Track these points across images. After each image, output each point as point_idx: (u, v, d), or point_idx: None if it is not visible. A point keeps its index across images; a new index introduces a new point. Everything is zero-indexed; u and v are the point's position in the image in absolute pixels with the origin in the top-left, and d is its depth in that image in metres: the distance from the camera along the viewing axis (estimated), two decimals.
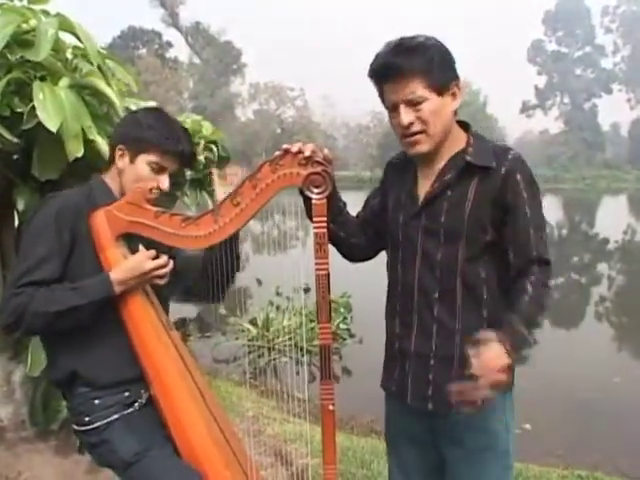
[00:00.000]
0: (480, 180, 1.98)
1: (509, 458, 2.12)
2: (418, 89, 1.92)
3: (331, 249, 2.00)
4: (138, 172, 2.15)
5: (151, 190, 2.13)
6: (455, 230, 1.98)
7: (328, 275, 1.89)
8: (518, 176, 1.96)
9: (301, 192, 1.98)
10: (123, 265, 2.06)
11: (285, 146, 1.93)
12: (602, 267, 18.54)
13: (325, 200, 1.90)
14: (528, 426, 5.65)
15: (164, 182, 2.18)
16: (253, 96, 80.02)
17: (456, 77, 2.01)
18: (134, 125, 2.20)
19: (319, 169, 1.89)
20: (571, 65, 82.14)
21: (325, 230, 1.89)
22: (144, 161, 2.15)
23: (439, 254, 2.01)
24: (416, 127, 1.96)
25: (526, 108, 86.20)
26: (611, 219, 30.50)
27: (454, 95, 2.00)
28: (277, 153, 1.93)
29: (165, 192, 2.21)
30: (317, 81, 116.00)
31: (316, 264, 1.90)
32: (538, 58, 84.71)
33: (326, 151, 1.95)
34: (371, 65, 2.00)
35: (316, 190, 1.89)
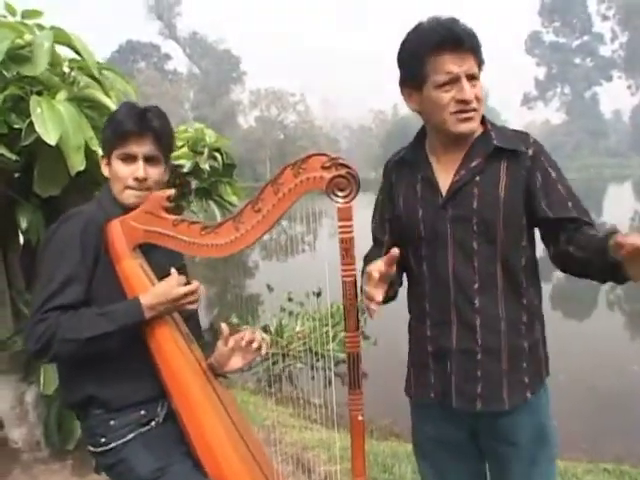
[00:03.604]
0: (509, 163, 1.94)
1: (554, 449, 2.08)
2: (475, 66, 1.89)
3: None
4: (115, 171, 2.06)
5: (169, 198, 2.03)
6: (491, 215, 1.91)
7: (355, 282, 1.80)
8: (542, 157, 1.96)
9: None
10: (153, 290, 1.98)
11: None
12: None
13: (351, 204, 1.79)
14: None
15: (138, 170, 2.05)
16: (254, 103, 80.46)
17: None
18: (103, 131, 2.14)
19: (343, 172, 1.79)
20: (570, 55, 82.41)
21: (352, 235, 1.78)
22: (115, 158, 2.06)
23: (474, 242, 1.93)
24: (474, 104, 1.90)
25: (527, 100, 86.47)
26: (618, 206, 30.39)
27: None
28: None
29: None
30: (317, 84, 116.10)
31: (342, 270, 1.80)
32: (536, 50, 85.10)
33: None
34: (432, 35, 1.89)
35: (341, 194, 1.78)
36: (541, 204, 1.92)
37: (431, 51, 1.88)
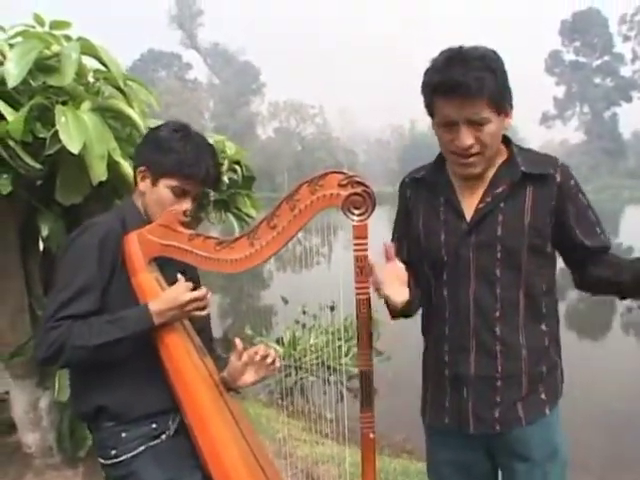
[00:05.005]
0: (535, 188, 1.91)
1: (565, 466, 2.07)
2: (484, 110, 1.80)
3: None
4: (160, 196, 2.07)
5: (185, 213, 2.05)
6: (515, 242, 1.89)
7: (369, 300, 1.81)
8: (572, 182, 1.94)
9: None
10: (162, 296, 1.98)
11: None
12: None
13: (367, 222, 1.79)
14: None
15: (187, 206, 2.08)
16: (273, 114, 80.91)
17: (511, 95, 1.90)
18: (155, 146, 2.10)
19: (360, 189, 1.78)
20: (590, 74, 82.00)
21: (367, 253, 1.78)
22: (166, 185, 2.06)
23: (498, 269, 1.91)
24: (475, 149, 1.85)
25: (546, 119, 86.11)
26: (635, 228, 30.15)
27: (507, 114, 1.89)
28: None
29: (187, 215, 2.10)
30: (335, 96, 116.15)
31: (357, 288, 1.80)
32: (556, 69, 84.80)
33: None
34: (432, 77, 1.84)
35: (357, 212, 1.78)
36: (576, 232, 1.94)
37: (432, 93, 1.86)
